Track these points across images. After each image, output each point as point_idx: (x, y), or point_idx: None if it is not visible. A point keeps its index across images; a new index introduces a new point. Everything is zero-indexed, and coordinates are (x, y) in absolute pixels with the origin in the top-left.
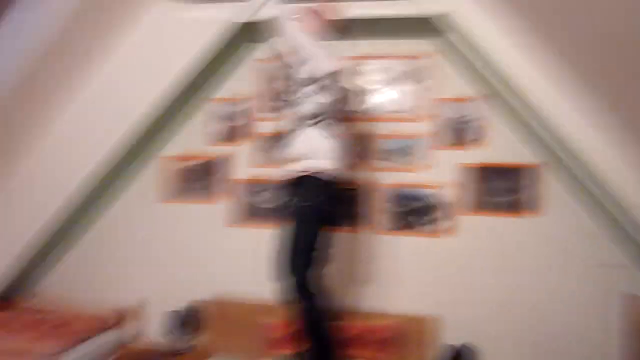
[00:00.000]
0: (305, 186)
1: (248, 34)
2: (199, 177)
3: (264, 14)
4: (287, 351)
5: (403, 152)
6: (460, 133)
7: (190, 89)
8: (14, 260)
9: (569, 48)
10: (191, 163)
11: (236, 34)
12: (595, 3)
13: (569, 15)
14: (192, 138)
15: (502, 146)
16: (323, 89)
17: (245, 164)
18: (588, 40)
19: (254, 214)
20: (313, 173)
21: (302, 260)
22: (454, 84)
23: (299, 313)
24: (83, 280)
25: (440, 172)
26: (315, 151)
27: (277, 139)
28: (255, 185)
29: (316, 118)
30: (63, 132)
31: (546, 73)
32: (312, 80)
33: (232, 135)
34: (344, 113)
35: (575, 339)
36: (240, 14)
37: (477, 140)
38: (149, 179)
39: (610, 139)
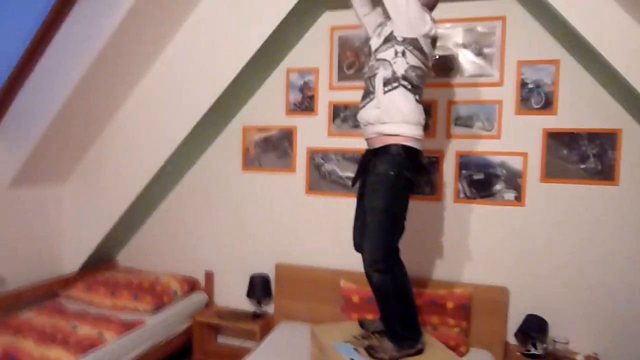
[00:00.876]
0: (389, 154)
1: (327, 0)
2: (278, 146)
3: None
4: (366, 316)
5: (478, 117)
6: (537, 98)
7: (268, 59)
8: (102, 226)
9: None
10: (270, 133)
11: (314, 1)
12: None
13: None
14: (272, 108)
15: (578, 111)
16: (407, 51)
17: (323, 133)
18: None
19: (332, 182)
20: (396, 140)
21: (392, 230)
22: (531, 47)
23: (385, 281)
24: (169, 243)
25: (515, 139)
26: (399, 115)
27: (362, 101)
28: (333, 154)
29: (395, 83)
30: (145, 102)
31: (623, 32)
32: (403, 41)
33: (309, 104)
34: (426, 78)
35: None
36: None
37: (552, 105)
38: (231, 148)
39: None
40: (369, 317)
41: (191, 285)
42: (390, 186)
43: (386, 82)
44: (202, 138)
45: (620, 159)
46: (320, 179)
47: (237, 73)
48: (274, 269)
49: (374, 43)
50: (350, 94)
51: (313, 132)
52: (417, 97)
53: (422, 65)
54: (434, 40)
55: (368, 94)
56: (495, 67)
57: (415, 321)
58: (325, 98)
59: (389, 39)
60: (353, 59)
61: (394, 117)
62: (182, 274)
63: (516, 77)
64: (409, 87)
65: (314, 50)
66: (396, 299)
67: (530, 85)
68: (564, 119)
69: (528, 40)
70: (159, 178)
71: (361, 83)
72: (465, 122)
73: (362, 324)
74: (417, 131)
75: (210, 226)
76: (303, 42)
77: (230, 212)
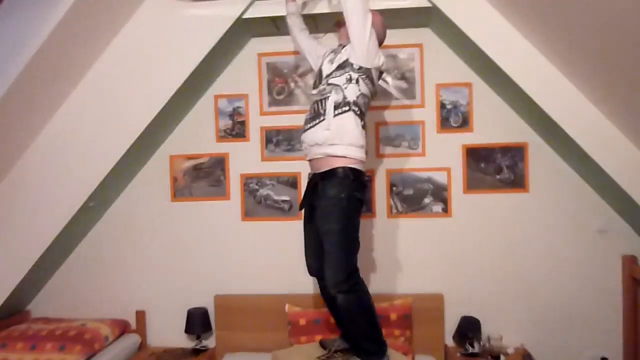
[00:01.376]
0: (338, 177)
1: (254, 27)
2: (209, 174)
3: (270, 9)
4: (314, 338)
5: (404, 137)
6: (455, 118)
7: (196, 85)
8: (13, 274)
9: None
10: (201, 160)
11: (241, 29)
12: None
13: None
14: (200, 135)
15: (491, 128)
16: (361, 79)
17: (256, 158)
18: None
19: (268, 207)
20: (343, 162)
21: (350, 250)
22: (447, 71)
23: (350, 301)
24: (91, 285)
25: (439, 156)
26: (347, 138)
27: (308, 123)
28: (267, 179)
29: (346, 107)
30: (62, 135)
31: (529, 56)
32: (359, 69)
33: (240, 130)
34: (368, 104)
35: (577, 306)
36: (243, 9)
37: (468, 124)
38: (158, 179)
39: (592, 114)
40: (318, 338)
41: (122, 328)
42: (343, 208)
43: (337, 106)
44: (126, 169)
45: (529, 169)
46: (255, 204)
47: (164, 103)
48: (212, 301)
49: (326, 68)
50: (282, 119)
51: (246, 158)
52: (363, 123)
53: (369, 94)
54: (380, 73)
55: (317, 115)
56: (416, 90)
57: (381, 335)
58: (256, 123)
59: (344, 66)
60: (282, 85)
61: (343, 140)
62: (111, 317)
63: (435, 99)
64: (358, 112)
65: (242, 77)
66: (362, 316)
67: (449, 106)
68: (479, 135)
69: (444, 65)
70: (79, 215)
71: (291, 108)
72: (393, 142)
73: (323, 344)
74: (361, 154)
75: (139, 262)
76: (231, 69)
77: (160, 245)
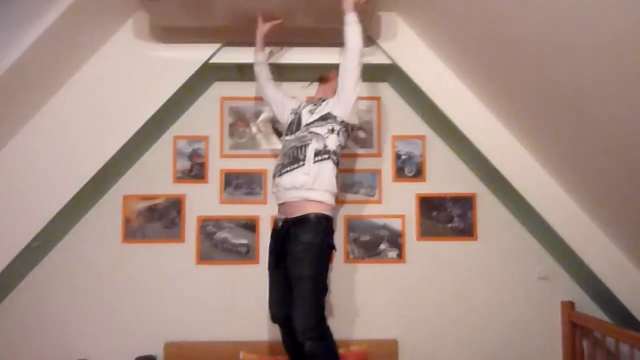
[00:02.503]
0: (311, 222)
1: (218, 71)
2: (164, 216)
3: (236, 56)
4: None
5: (361, 184)
6: (409, 167)
7: (156, 126)
8: None
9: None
10: (156, 201)
11: (205, 72)
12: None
13: (499, 59)
14: (157, 176)
15: (443, 178)
16: (341, 131)
17: (215, 200)
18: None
19: (224, 250)
20: (317, 208)
21: (320, 297)
22: (402, 124)
23: (319, 347)
24: (29, 332)
25: (394, 203)
26: (324, 184)
27: (285, 167)
28: (225, 222)
29: (326, 155)
30: (14, 165)
31: (479, 113)
32: (341, 122)
33: (199, 172)
34: (340, 155)
35: (521, 348)
36: (210, 55)
37: (422, 174)
38: (109, 219)
39: (535, 170)
40: None
41: None
42: (316, 254)
43: (317, 153)
44: (74, 208)
45: (477, 218)
46: (212, 247)
47: (122, 144)
48: (163, 348)
49: (306, 118)
50: (242, 162)
51: (204, 200)
52: (337, 172)
53: (344, 147)
54: (352, 128)
55: (296, 160)
56: (374, 140)
57: None
58: (216, 166)
59: (326, 118)
60: (244, 129)
61: (320, 185)
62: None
63: (392, 150)
64: (336, 161)
65: (203, 119)
66: None
67: (404, 157)
68: (432, 185)
69: (400, 118)
70: (20, 255)
71: (252, 152)
72: (351, 189)
73: None
74: (333, 201)
75: (83, 307)
76: (192, 110)
77: (108, 288)
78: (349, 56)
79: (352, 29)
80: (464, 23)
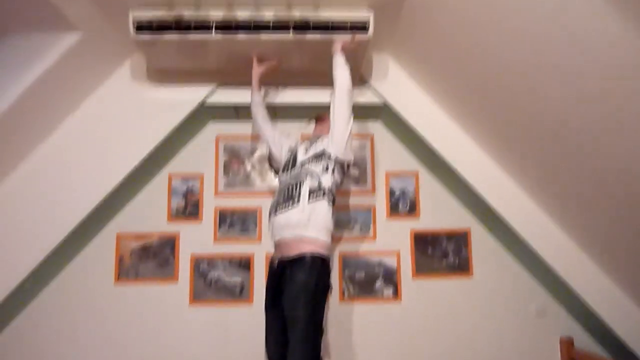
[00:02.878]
0: (307, 262)
1: (214, 111)
2: (158, 254)
3: (231, 97)
4: None
5: (356, 221)
6: (403, 204)
7: (151, 164)
8: None
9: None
10: (150, 240)
11: (201, 112)
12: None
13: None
14: (151, 214)
15: (436, 215)
16: (336, 169)
17: (209, 239)
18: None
19: (218, 290)
20: (313, 247)
21: (317, 339)
22: (395, 160)
23: None
24: None
25: (389, 240)
26: (320, 223)
27: (280, 205)
28: (219, 261)
29: (321, 193)
30: (7, 204)
31: (470, 149)
32: (335, 160)
33: (193, 210)
34: (335, 193)
35: None
36: (205, 96)
37: (415, 210)
38: (102, 258)
39: (527, 204)
40: None
41: None
42: (312, 294)
43: (312, 192)
44: (67, 247)
45: (472, 254)
46: (205, 287)
47: (117, 183)
48: None
49: (301, 156)
50: (237, 201)
51: (198, 239)
52: (333, 210)
53: (339, 185)
54: (347, 166)
55: (290, 199)
56: (368, 177)
57: None
58: (210, 204)
59: (321, 155)
60: (239, 167)
61: (316, 224)
62: None
63: (385, 186)
64: (331, 200)
65: (199, 157)
66: None
67: (397, 193)
68: (426, 221)
69: (393, 155)
70: (9, 296)
71: (247, 189)
72: (346, 226)
73: None
74: (330, 239)
75: (74, 348)
76: (187, 149)
77: (100, 329)
78: (338, 95)
79: (340, 69)
80: (453, 63)
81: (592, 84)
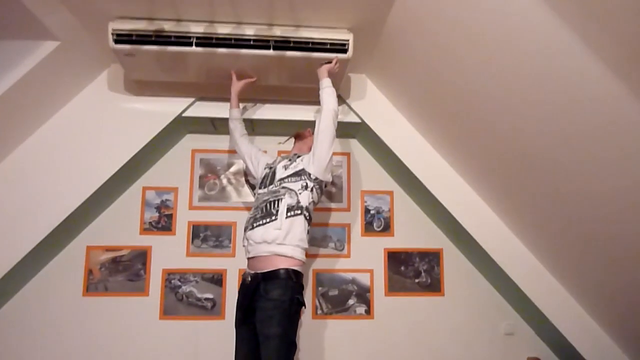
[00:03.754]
0: (281, 278)
1: (190, 124)
2: (129, 268)
3: (210, 110)
4: None
5: (330, 238)
6: (378, 222)
7: (125, 176)
8: None
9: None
10: (121, 253)
11: (177, 125)
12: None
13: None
14: (123, 227)
15: (410, 234)
16: (314, 188)
17: (181, 253)
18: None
19: (189, 305)
20: (287, 263)
21: (289, 356)
22: (371, 179)
23: None
24: None
25: (363, 258)
26: (295, 240)
27: (257, 220)
28: (191, 275)
29: (298, 210)
30: None
31: (443, 170)
32: (315, 179)
33: (167, 223)
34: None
35: None
36: (184, 108)
37: (390, 228)
38: (70, 271)
39: (498, 226)
40: None
41: None
42: (286, 311)
43: (290, 208)
44: (35, 258)
45: (444, 273)
46: (176, 302)
47: (89, 194)
48: None
49: (280, 173)
50: (211, 214)
51: (170, 253)
52: (309, 228)
53: (316, 203)
54: (325, 185)
55: (268, 215)
56: (344, 195)
57: None
58: (184, 217)
59: (300, 174)
60: (214, 181)
61: (292, 241)
62: None
63: (361, 204)
64: (308, 217)
65: (173, 170)
66: None
67: (372, 211)
68: (399, 240)
69: (368, 174)
70: None
71: (222, 204)
72: (321, 242)
73: None
74: (304, 257)
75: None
76: (162, 162)
77: (67, 343)
78: (325, 117)
79: (327, 92)
80: (429, 86)
81: (568, 112)
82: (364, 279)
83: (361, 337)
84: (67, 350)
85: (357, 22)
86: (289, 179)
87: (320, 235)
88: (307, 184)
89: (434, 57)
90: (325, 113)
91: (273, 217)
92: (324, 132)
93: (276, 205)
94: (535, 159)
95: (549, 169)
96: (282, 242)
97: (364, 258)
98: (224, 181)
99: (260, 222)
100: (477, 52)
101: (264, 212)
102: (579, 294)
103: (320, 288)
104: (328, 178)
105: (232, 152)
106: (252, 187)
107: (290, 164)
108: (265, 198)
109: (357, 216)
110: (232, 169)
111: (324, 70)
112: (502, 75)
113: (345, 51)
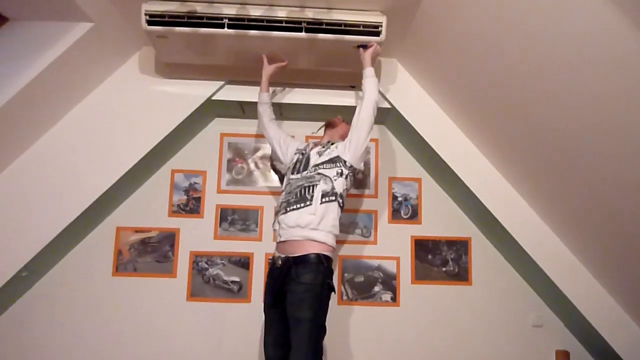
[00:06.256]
0: (312, 263)
1: (219, 108)
2: (157, 249)
3: (239, 94)
4: None
5: (357, 225)
6: (405, 210)
7: (154, 159)
8: None
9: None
10: (150, 235)
11: (207, 108)
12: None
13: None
14: (152, 209)
15: (438, 222)
16: (349, 176)
17: (209, 236)
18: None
19: (216, 287)
20: (319, 248)
21: (319, 340)
22: (399, 166)
23: None
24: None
25: (389, 245)
26: (329, 226)
27: (291, 205)
28: (218, 258)
29: (332, 197)
30: (8, 193)
31: (474, 157)
32: (350, 167)
33: (195, 206)
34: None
35: None
36: (214, 91)
37: (417, 216)
38: (100, 251)
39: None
40: None
41: None
42: (317, 295)
43: (324, 194)
44: (66, 239)
45: (472, 262)
46: (203, 284)
47: (120, 175)
48: None
49: (314, 159)
50: (239, 198)
51: (198, 235)
52: (341, 214)
53: (348, 190)
54: (358, 173)
55: (303, 200)
56: (371, 181)
57: None
58: (212, 201)
59: (335, 161)
60: (242, 165)
61: (325, 226)
62: None
63: (388, 191)
64: (341, 204)
65: (202, 154)
66: None
67: (400, 199)
68: (427, 228)
69: (396, 161)
70: (5, 285)
71: (250, 188)
72: (347, 229)
73: None
74: (335, 243)
75: (69, 340)
76: (191, 145)
77: (96, 322)
78: (365, 106)
79: (370, 82)
80: (462, 72)
81: (608, 101)
82: (390, 266)
83: (387, 324)
84: (97, 328)
85: (390, 4)
86: (324, 166)
87: (347, 222)
88: (342, 170)
89: (470, 43)
90: (367, 103)
91: (307, 202)
92: (364, 121)
93: (311, 191)
94: (576, 150)
95: (590, 160)
96: (315, 227)
97: (390, 245)
98: (252, 165)
99: (294, 207)
100: (516, 39)
101: (298, 197)
102: (613, 287)
103: (346, 274)
104: (361, 167)
105: (260, 136)
106: (276, 172)
107: (325, 150)
108: (300, 183)
109: (385, 203)
110: (259, 154)
111: (368, 57)
112: (542, 61)
113: (378, 34)
